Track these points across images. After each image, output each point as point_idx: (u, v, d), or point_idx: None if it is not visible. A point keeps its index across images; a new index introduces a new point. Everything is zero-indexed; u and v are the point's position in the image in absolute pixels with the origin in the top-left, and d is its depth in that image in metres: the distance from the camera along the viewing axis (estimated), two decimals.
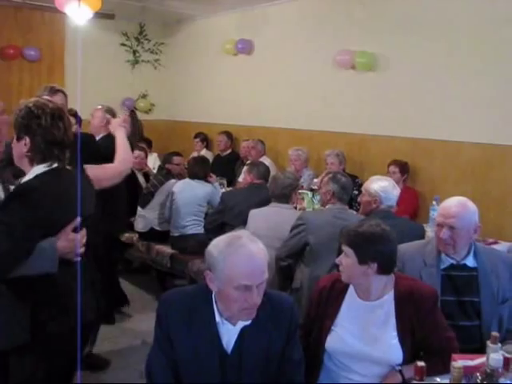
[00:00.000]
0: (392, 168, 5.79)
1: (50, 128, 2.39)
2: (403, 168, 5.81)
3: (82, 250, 2.41)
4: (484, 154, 5.44)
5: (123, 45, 9.09)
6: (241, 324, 2.21)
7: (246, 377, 2.22)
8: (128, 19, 8.96)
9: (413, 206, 5.61)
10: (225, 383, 2.22)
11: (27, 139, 2.38)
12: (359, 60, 6.34)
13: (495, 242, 4.84)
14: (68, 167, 2.50)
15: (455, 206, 2.87)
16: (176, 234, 5.56)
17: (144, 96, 9.39)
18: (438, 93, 5.72)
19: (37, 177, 2.35)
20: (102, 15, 8.08)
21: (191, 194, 5.57)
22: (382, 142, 6.26)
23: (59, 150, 2.42)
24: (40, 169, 2.38)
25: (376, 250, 2.48)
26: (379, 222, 2.64)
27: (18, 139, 2.41)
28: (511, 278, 2.93)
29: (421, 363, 1.81)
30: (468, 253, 2.90)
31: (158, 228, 5.85)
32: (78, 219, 2.33)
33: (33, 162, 2.41)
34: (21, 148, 2.41)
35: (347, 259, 2.52)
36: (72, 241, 2.34)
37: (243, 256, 2.09)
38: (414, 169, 5.95)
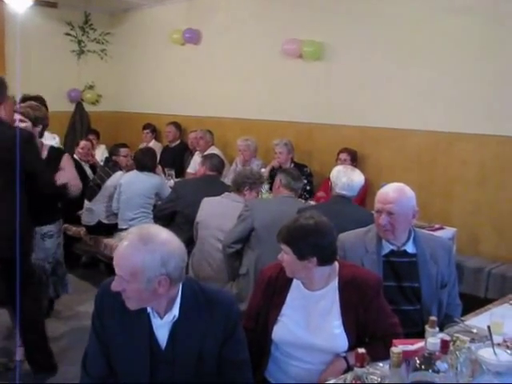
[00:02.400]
0: (344, 155, 5.82)
1: None
2: (354, 156, 5.86)
3: None
4: (430, 141, 5.54)
5: (68, 34, 8.86)
6: (167, 319, 2.16)
7: (178, 373, 2.17)
8: (72, 8, 8.74)
9: (360, 192, 5.65)
10: (155, 378, 2.17)
11: None
12: (306, 49, 6.35)
13: (441, 228, 4.94)
14: None
15: (393, 191, 2.89)
16: (124, 227, 5.46)
17: (91, 87, 9.19)
18: (385, 82, 5.79)
19: None
20: (44, 3, 7.90)
21: (139, 186, 5.50)
22: (330, 131, 6.29)
23: None
24: None
25: (312, 243, 2.46)
26: (313, 213, 2.62)
27: None
28: (450, 263, 2.98)
29: (361, 350, 1.81)
30: (408, 239, 2.92)
31: (105, 221, 5.75)
32: None
33: None
34: None
35: (287, 256, 2.50)
36: None
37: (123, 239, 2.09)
38: (362, 157, 6.00)
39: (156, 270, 2.02)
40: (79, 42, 9.01)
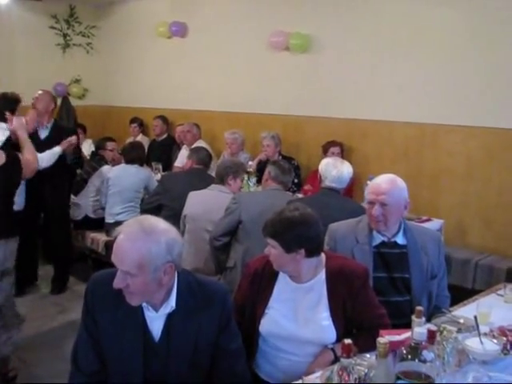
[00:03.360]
0: (336, 149, 5.77)
1: None
2: (342, 149, 5.85)
3: None
4: (417, 133, 5.55)
5: (52, 28, 8.77)
6: (163, 311, 2.14)
7: (172, 365, 2.16)
8: (56, 0, 8.64)
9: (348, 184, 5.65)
10: (149, 371, 2.16)
11: None
12: (293, 41, 6.34)
13: (428, 220, 4.95)
14: None
15: (385, 182, 2.89)
16: (111, 221, 5.43)
17: (77, 81, 9.11)
18: (372, 74, 5.79)
19: None
20: None
21: (129, 180, 5.49)
22: (317, 123, 6.29)
23: None
24: None
25: (299, 235, 2.45)
26: (298, 205, 2.61)
27: None
28: (439, 254, 2.99)
29: (347, 341, 1.80)
30: (398, 230, 2.93)
31: (92, 215, 5.73)
32: None
33: None
34: None
35: (274, 250, 2.48)
36: None
37: (118, 234, 2.05)
38: (348, 149, 6.01)
39: (162, 258, 2.02)
40: (64, 35, 8.92)
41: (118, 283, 2.03)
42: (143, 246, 1.99)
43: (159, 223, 2.09)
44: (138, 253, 1.99)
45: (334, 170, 3.93)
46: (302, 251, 2.45)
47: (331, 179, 3.92)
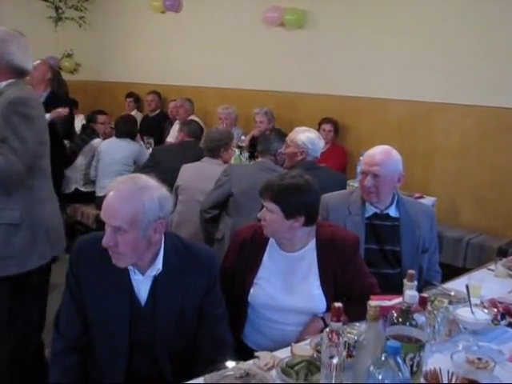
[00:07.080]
0: (328, 126, 5.79)
1: None
2: (336, 126, 5.84)
3: None
4: (411, 111, 5.52)
5: (44, 0, 8.60)
6: (150, 273, 2.12)
7: (159, 328, 2.14)
8: None
9: (341, 163, 5.64)
10: (135, 335, 2.13)
11: None
12: (288, 17, 6.28)
13: (421, 197, 4.93)
14: None
15: (379, 153, 2.86)
16: (101, 194, 5.37)
17: (69, 55, 8.98)
18: (367, 51, 5.74)
19: None
20: None
21: (118, 153, 5.44)
22: (311, 100, 6.24)
23: None
24: None
25: (302, 201, 2.41)
26: (301, 172, 2.57)
27: None
28: (432, 228, 2.98)
29: (338, 304, 1.77)
30: (391, 203, 2.91)
31: (82, 189, 5.69)
32: None
33: None
34: None
35: (272, 215, 2.43)
36: None
37: (109, 192, 2.03)
38: (342, 126, 5.98)
39: (155, 213, 2.01)
40: (56, 8, 8.74)
41: (107, 241, 2.00)
42: (137, 200, 1.98)
43: (151, 180, 2.09)
44: (131, 207, 1.97)
45: (320, 141, 3.94)
46: (302, 218, 2.42)
47: (320, 150, 3.93)
